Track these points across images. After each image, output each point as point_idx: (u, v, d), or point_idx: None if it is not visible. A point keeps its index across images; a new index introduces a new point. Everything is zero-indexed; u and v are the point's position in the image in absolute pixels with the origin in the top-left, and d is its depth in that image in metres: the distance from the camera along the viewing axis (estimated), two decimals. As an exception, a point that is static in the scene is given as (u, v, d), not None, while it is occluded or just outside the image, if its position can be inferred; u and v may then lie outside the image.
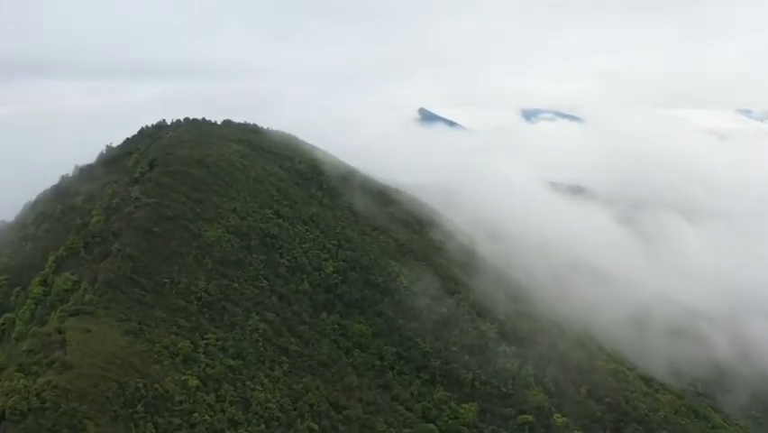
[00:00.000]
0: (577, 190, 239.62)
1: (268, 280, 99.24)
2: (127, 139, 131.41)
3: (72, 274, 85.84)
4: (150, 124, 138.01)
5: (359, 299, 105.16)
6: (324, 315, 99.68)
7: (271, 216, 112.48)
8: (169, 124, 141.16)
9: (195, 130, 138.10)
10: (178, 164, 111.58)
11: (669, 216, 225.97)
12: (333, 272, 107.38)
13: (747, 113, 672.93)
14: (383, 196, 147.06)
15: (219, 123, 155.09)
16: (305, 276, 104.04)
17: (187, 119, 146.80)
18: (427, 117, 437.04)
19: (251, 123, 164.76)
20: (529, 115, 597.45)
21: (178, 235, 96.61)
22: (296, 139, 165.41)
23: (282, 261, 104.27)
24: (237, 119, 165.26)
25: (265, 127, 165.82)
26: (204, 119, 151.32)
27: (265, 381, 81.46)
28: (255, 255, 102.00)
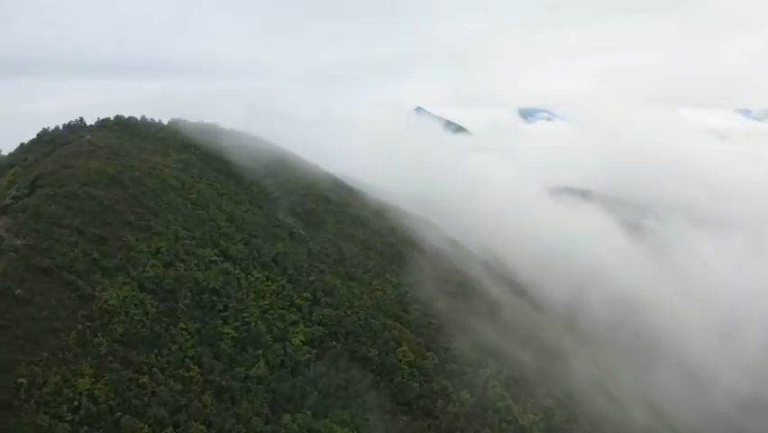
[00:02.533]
0: (577, 193, 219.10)
1: (200, 367, 64.42)
2: (22, 145, 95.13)
3: None
4: (59, 125, 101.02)
5: (342, 385, 70.81)
6: (287, 417, 65.10)
7: (215, 257, 77.38)
8: (89, 124, 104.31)
9: (123, 133, 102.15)
10: (77, 183, 75.89)
11: (676, 221, 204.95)
12: (304, 344, 72.93)
13: (746, 112, 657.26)
14: (380, 218, 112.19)
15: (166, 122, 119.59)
16: (260, 353, 69.43)
17: (118, 117, 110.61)
18: (424, 116, 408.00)
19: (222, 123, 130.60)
20: (527, 114, 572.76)
21: (56, 300, 61.44)
22: (267, 143, 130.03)
23: (226, 331, 69.49)
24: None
25: (228, 128, 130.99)
26: (143, 118, 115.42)
27: None
28: (183, 325, 67.02)
